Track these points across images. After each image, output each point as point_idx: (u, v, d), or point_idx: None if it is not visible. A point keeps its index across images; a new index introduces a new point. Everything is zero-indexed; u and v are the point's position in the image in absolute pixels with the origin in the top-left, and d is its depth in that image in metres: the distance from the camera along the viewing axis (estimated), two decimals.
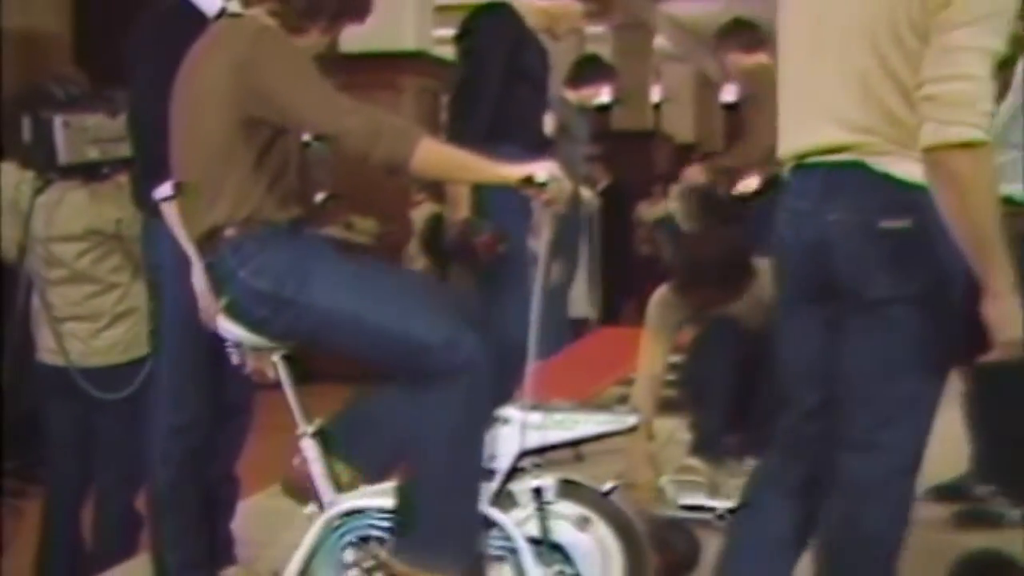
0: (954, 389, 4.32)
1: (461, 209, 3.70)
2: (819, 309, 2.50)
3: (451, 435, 2.61)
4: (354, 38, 7.61)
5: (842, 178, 2.38)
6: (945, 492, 4.26)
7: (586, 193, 7.47)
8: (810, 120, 2.44)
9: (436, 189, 6.82)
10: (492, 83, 3.82)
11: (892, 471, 2.46)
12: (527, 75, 3.93)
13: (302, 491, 2.76)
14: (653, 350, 4.05)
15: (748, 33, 6.15)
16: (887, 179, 2.33)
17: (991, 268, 2.24)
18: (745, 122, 6.05)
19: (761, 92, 6.16)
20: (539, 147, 3.85)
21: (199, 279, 2.93)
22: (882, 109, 2.33)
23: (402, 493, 2.68)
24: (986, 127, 2.20)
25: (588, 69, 7.12)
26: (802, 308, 2.54)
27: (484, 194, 3.67)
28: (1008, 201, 3.99)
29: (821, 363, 2.52)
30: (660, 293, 4.07)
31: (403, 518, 2.67)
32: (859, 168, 2.35)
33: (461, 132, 3.55)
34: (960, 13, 2.20)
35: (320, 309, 2.60)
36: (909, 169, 2.31)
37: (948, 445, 4.42)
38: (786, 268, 2.59)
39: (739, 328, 4.08)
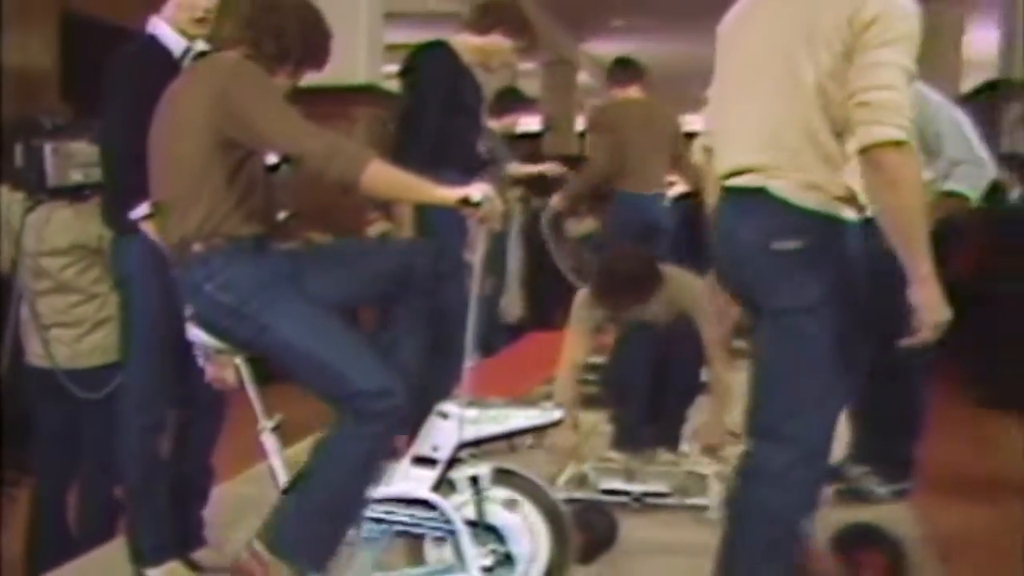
0: None
1: (406, 229, 3.69)
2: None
3: (352, 465, 2.64)
4: (313, 73, 7.71)
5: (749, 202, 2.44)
6: (827, 473, 4.32)
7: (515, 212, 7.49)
8: (729, 147, 2.53)
9: (388, 209, 6.80)
10: (433, 115, 3.80)
11: (796, 459, 2.48)
12: (463, 107, 3.92)
13: None
14: (575, 346, 4.16)
15: (622, 70, 6.25)
16: (785, 204, 2.38)
17: (919, 256, 2.30)
18: (587, 150, 6.23)
19: (604, 122, 6.30)
20: (475, 171, 3.86)
21: None
22: (785, 139, 2.40)
23: (296, 480, 2.68)
24: (909, 132, 2.27)
25: (508, 100, 7.13)
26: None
27: (426, 213, 3.67)
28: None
29: None
30: (581, 296, 4.20)
31: (284, 500, 2.68)
32: (762, 193, 2.41)
33: (405, 159, 3.51)
34: (882, 33, 2.29)
35: (276, 335, 2.61)
36: (802, 196, 2.36)
37: None
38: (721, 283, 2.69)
39: (653, 333, 4.14)
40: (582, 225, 7.66)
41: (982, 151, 4.01)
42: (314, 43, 2.83)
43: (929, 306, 2.32)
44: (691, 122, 7.59)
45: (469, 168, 3.80)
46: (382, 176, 2.58)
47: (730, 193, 2.52)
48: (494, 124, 6.89)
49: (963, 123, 4.04)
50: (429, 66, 3.89)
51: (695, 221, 4.42)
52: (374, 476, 2.70)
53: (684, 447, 4.28)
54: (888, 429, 4.12)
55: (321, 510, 2.64)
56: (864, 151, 2.28)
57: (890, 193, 2.29)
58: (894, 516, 3.73)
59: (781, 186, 2.40)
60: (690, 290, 4.20)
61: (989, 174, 4.02)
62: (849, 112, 2.31)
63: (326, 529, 2.65)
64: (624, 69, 6.33)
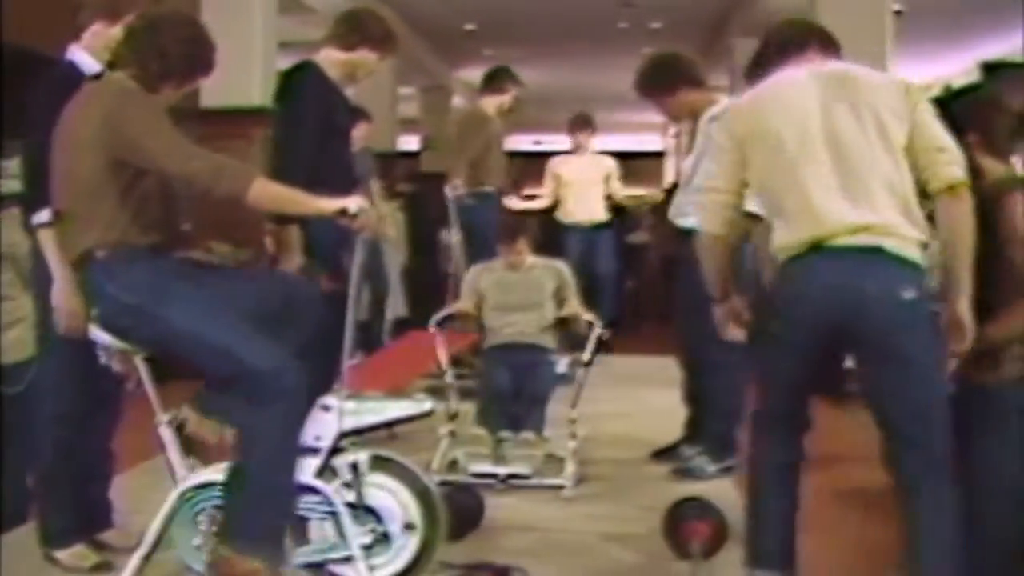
0: (675, 375, 4.52)
1: (295, 257, 3.44)
2: (822, 351, 2.63)
3: (273, 446, 2.58)
4: (212, 96, 7.55)
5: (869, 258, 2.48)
6: (663, 454, 4.43)
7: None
8: (830, 210, 2.50)
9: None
10: (311, 138, 3.55)
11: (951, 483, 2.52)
12: (337, 128, 3.72)
13: None
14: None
15: (490, 79, 6.27)
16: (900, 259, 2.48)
17: (971, 276, 2.47)
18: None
19: (462, 128, 6.37)
20: (349, 187, 3.75)
21: (58, 292, 2.88)
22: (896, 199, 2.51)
23: (229, 478, 2.63)
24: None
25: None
26: (811, 348, 2.60)
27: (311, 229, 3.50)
28: (691, 232, 4.22)
29: (808, 383, 2.70)
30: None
31: (228, 501, 2.62)
32: (880, 251, 2.47)
33: (284, 182, 3.31)
34: (925, 99, 2.56)
35: (174, 326, 2.56)
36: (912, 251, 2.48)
37: (668, 418, 4.63)
38: (804, 322, 2.56)
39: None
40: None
41: None
42: (197, 57, 2.76)
43: (969, 319, 2.47)
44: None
45: (343, 186, 3.57)
46: (266, 191, 2.57)
47: (844, 251, 2.49)
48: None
49: None
50: (305, 89, 3.61)
51: None
52: (296, 454, 2.64)
53: (546, 432, 4.35)
54: (715, 413, 4.24)
55: (261, 496, 2.58)
56: (951, 188, 2.47)
57: (968, 220, 2.47)
58: (720, 490, 3.84)
59: (896, 244, 2.47)
60: (570, 280, 4.60)
61: None
62: (928, 158, 2.50)
63: (272, 510, 2.60)
64: (494, 78, 6.34)
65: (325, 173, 3.42)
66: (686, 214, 4.29)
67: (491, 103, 6.24)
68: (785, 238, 2.57)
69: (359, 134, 6.91)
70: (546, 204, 7.44)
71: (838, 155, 2.52)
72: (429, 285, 7.77)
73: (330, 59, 3.69)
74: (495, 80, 6.27)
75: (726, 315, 2.85)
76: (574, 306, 4.63)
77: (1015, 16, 8.76)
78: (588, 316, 4.50)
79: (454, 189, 6.18)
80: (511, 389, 4.43)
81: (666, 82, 4.25)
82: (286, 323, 2.71)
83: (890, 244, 2.45)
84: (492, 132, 6.24)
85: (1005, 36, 10.43)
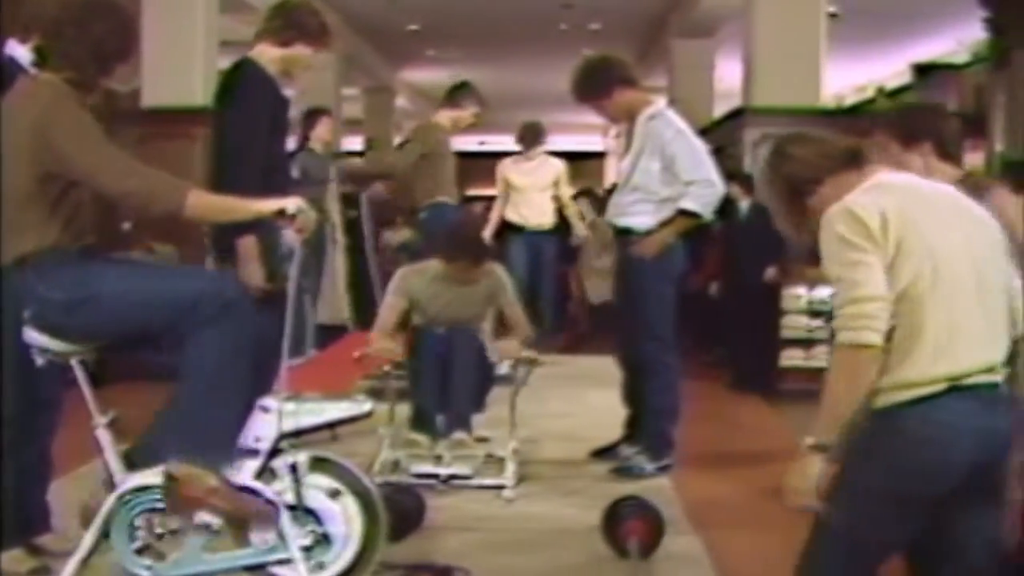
0: (615, 377, 4.56)
1: (256, 269, 3.26)
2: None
3: (220, 358, 2.55)
4: (153, 95, 7.46)
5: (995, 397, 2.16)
6: (603, 453, 4.47)
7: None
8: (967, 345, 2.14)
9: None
10: (262, 139, 3.45)
11: None
12: (280, 128, 3.62)
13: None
14: (390, 308, 4.53)
15: (452, 94, 6.23)
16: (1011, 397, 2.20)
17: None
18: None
19: (417, 136, 6.33)
20: (287, 187, 3.64)
21: None
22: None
23: (172, 403, 2.60)
24: None
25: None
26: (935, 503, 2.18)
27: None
28: (629, 232, 4.29)
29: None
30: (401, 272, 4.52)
31: (172, 420, 2.59)
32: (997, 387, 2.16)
33: (235, 186, 3.07)
34: None
35: (107, 296, 2.54)
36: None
37: (608, 418, 4.68)
38: (942, 472, 2.14)
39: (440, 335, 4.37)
40: (398, 235, 7.67)
41: (712, 173, 4.22)
42: (130, 43, 2.74)
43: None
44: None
45: (283, 186, 3.53)
46: (201, 203, 2.56)
47: (975, 388, 2.12)
48: (316, 145, 6.87)
49: (698, 148, 4.26)
50: (250, 89, 3.48)
51: None
52: (244, 376, 2.60)
53: (485, 433, 4.36)
54: (653, 413, 4.30)
55: (209, 412, 2.56)
56: None
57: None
58: (657, 488, 3.89)
59: (1003, 380, 2.19)
60: (506, 283, 4.48)
61: (717, 193, 4.24)
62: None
63: (221, 425, 2.59)
64: (456, 94, 6.30)
65: (273, 176, 3.39)
66: (624, 214, 4.35)
67: (448, 116, 6.16)
68: (910, 374, 2.12)
69: (323, 133, 6.91)
70: (501, 211, 7.40)
71: (980, 283, 2.18)
72: (371, 287, 7.77)
73: (265, 55, 3.56)
74: (457, 96, 6.20)
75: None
76: (516, 313, 4.52)
77: (945, 19, 8.98)
78: (523, 348, 4.38)
79: (371, 191, 6.15)
80: (440, 365, 4.30)
81: (600, 85, 4.31)
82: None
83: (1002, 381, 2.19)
84: (446, 144, 6.16)
85: (936, 38, 10.68)
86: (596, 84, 4.32)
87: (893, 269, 2.12)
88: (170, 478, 2.53)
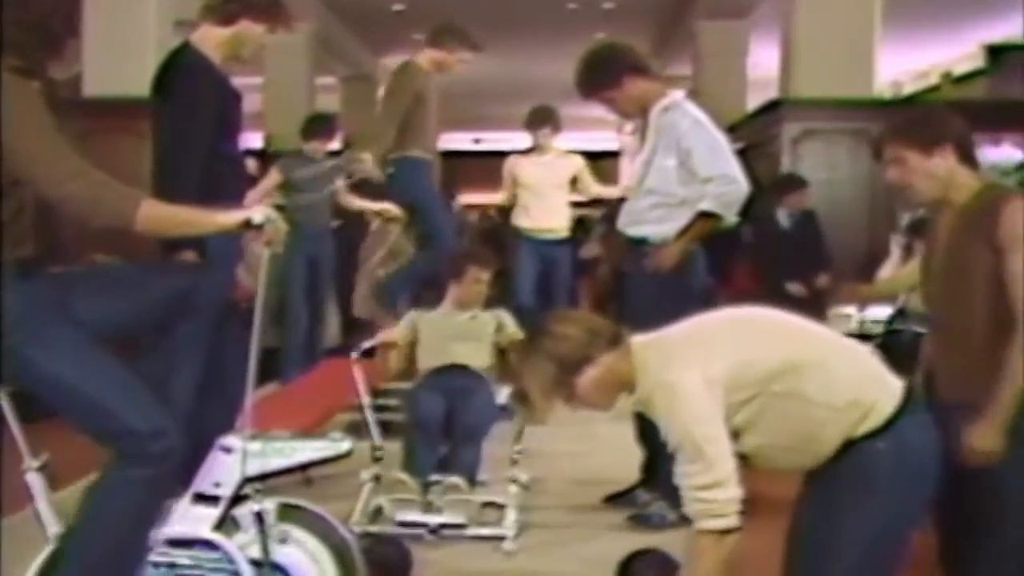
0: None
1: None
2: None
3: (127, 514, 2.57)
4: (97, 82, 7.40)
5: None
6: (618, 498, 4.45)
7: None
8: None
9: None
10: (204, 139, 3.45)
11: None
12: (230, 125, 3.61)
13: None
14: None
15: (436, 35, 6.18)
16: None
17: None
18: None
19: (390, 86, 6.29)
20: (242, 194, 3.70)
21: None
22: None
23: (68, 534, 2.61)
24: None
25: (316, 125, 7.20)
26: None
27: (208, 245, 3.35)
28: (644, 242, 4.29)
29: None
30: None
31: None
32: None
33: (175, 195, 3.01)
34: None
35: (41, 370, 2.52)
36: None
37: (624, 457, 4.66)
38: None
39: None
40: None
41: (733, 168, 4.22)
42: (75, 20, 2.76)
43: None
44: None
45: (238, 193, 3.58)
46: (155, 215, 2.55)
47: None
48: (306, 148, 6.97)
49: (717, 140, 4.26)
50: (189, 79, 3.48)
51: None
52: (152, 524, 2.64)
53: (485, 475, 4.35)
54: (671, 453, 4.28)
55: (97, 566, 2.56)
56: None
57: None
58: (680, 542, 3.86)
59: None
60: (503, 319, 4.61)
61: (739, 190, 4.23)
62: None
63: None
64: None
65: (222, 182, 3.37)
66: (638, 221, 4.35)
67: (430, 57, 6.01)
68: None
69: (320, 148, 7.06)
70: (505, 201, 7.23)
71: None
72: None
73: (209, 38, 3.57)
74: (441, 37, 6.03)
75: None
76: (516, 333, 4.67)
77: None
78: None
79: (360, 162, 5.92)
80: (442, 419, 4.44)
81: (608, 75, 4.31)
82: (182, 316, 2.70)
83: None
84: (424, 88, 5.95)
85: (1010, 17, 10.61)
86: (603, 74, 4.32)
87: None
88: None
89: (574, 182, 7.10)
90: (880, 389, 2.56)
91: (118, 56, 7.25)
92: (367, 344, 4.59)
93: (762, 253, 6.98)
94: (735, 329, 2.64)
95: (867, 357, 2.65)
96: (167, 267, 3.17)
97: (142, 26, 7.36)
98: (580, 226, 7.27)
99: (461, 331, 4.73)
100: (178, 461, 2.60)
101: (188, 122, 3.43)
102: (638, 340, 2.67)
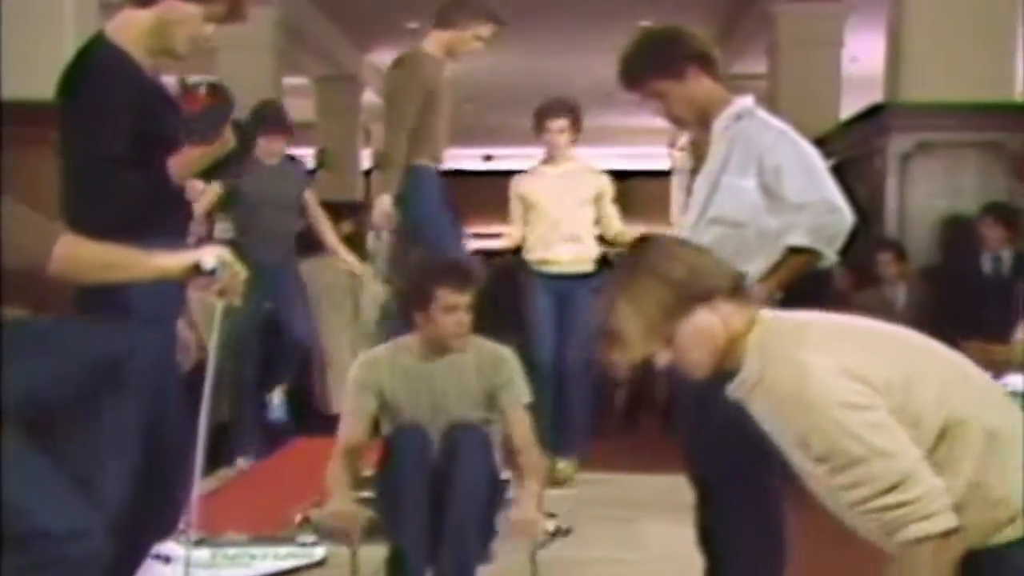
0: (687, 504, 4.52)
1: None
2: None
3: None
4: (6, 83, 7.45)
5: None
6: None
7: None
8: None
9: None
10: (116, 161, 3.43)
11: None
12: (161, 138, 3.56)
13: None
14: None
15: (447, 10, 6.22)
16: None
17: None
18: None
19: (396, 84, 6.33)
20: (183, 226, 3.70)
21: None
22: None
23: None
24: None
25: (263, 115, 7.04)
26: None
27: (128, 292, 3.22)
28: None
29: None
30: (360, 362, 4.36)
31: None
32: None
33: (92, 224, 3.02)
34: None
35: None
36: None
37: (677, 567, 4.63)
38: None
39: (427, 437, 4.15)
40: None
41: (833, 192, 4.17)
42: None
43: None
44: None
45: (179, 228, 3.59)
46: (77, 256, 2.58)
47: None
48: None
49: (812, 157, 4.23)
50: (102, 81, 3.47)
51: None
52: None
53: None
54: (741, 563, 4.24)
55: None
56: None
57: None
58: None
59: None
60: (503, 361, 4.38)
61: (844, 221, 4.18)
62: None
63: None
64: None
65: (153, 209, 3.37)
66: None
67: (438, 40, 6.02)
68: None
69: (275, 148, 6.94)
70: (515, 240, 7.11)
71: None
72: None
73: (129, 26, 3.57)
74: (451, 14, 6.03)
75: None
76: (522, 428, 4.35)
77: None
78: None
79: (381, 211, 5.88)
80: (428, 486, 4.07)
81: (668, 59, 4.27)
82: (112, 387, 2.69)
83: None
84: (434, 83, 5.96)
85: None
86: (662, 57, 4.30)
87: None
88: None
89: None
90: None
91: (28, 52, 7.28)
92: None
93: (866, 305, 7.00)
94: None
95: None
96: (92, 324, 3.16)
97: (58, 13, 7.35)
98: (608, 265, 7.04)
99: (438, 396, 4.35)
100: (105, 569, 2.57)
101: (97, 134, 3.42)
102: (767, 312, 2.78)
